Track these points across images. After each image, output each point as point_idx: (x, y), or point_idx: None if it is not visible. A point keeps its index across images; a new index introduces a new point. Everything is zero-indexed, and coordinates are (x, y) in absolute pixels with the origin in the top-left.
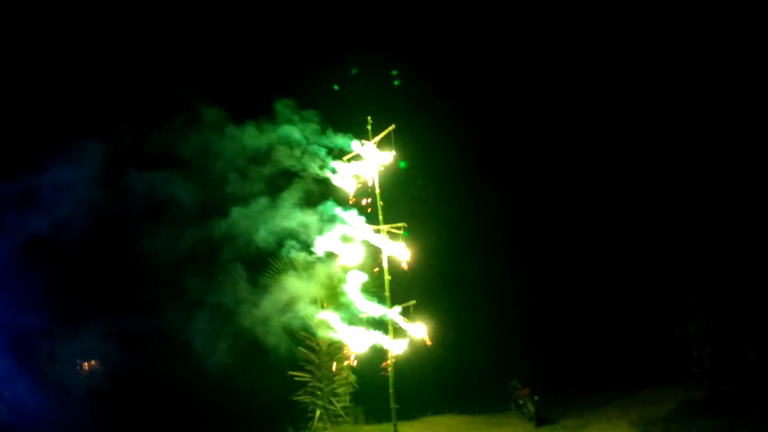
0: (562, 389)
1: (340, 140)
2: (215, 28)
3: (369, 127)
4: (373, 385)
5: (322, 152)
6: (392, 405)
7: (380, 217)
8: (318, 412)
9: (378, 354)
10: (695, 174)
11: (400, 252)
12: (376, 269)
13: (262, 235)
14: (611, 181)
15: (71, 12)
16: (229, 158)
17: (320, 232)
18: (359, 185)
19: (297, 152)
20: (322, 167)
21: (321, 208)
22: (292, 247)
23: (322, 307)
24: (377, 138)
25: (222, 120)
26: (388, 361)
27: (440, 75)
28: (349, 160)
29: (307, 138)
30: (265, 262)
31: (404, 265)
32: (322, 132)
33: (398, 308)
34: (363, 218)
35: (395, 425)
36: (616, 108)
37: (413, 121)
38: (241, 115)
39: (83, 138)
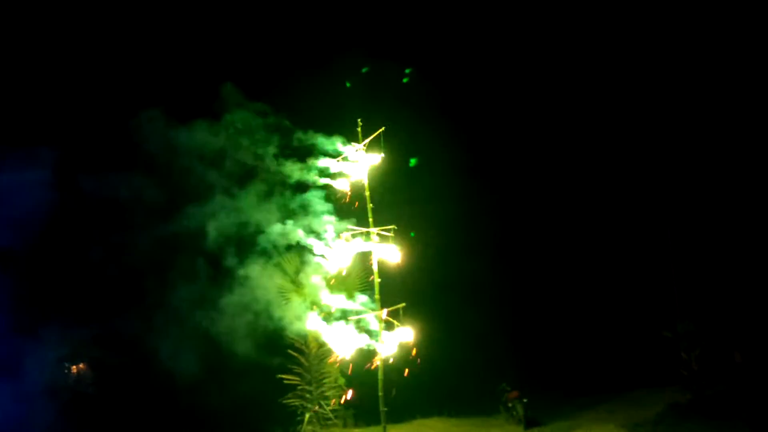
0: (551, 392)
1: (329, 142)
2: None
3: (359, 129)
4: (363, 388)
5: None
6: (381, 408)
7: (370, 219)
8: (307, 416)
9: (367, 358)
10: (683, 177)
11: (390, 254)
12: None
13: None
14: (600, 184)
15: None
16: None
17: (310, 234)
18: (350, 187)
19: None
20: (311, 169)
21: (311, 211)
22: (282, 249)
23: (311, 309)
24: (367, 140)
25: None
26: (376, 362)
27: (430, 76)
28: (339, 161)
29: (298, 139)
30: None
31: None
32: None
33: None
34: (353, 220)
35: (384, 428)
36: (604, 112)
37: (403, 123)
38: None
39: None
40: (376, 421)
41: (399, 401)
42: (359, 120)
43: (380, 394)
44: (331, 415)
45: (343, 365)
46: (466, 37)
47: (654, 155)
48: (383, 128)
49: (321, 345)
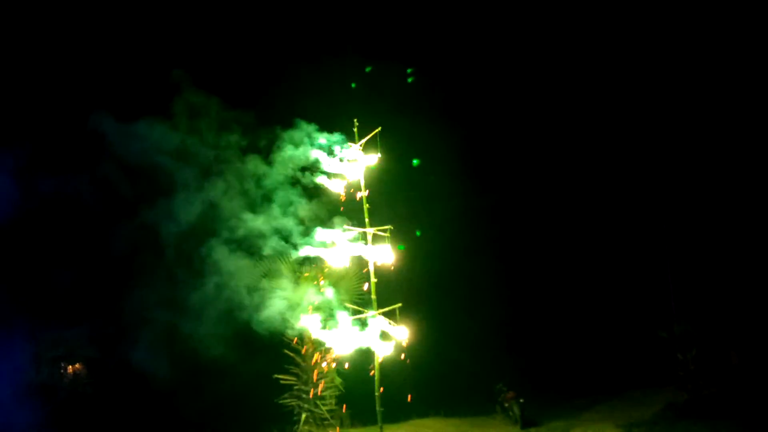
0: (548, 392)
1: (326, 141)
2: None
3: (355, 129)
4: (359, 388)
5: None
6: (378, 408)
7: (366, 220)
8: (303, 416)
9: (364, 357)
10: (679, 178)
11: (385, 255)
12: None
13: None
14: (597, 184)
15: None
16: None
17: (306, 235)
18: (346, 187)
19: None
20: (306, 169)
21: (307, 212)
22: (278, 250)
23: (308, 310)
24: (363, 140)
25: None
26: (375, 363)
27: (427, 76)
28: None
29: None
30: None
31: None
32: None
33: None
34: (350, 220)
35: (381, 428)
36: (600, 112)
37: (399, 123)
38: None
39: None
40: (372, 421)
41: (396, 401)
42: (355, 120)
43: (377, 393)
44: (327, 415)
45: (339, 365)
46: (465, 37)
47: (651, 155)
48: (379, 128)
49: (317, 345)
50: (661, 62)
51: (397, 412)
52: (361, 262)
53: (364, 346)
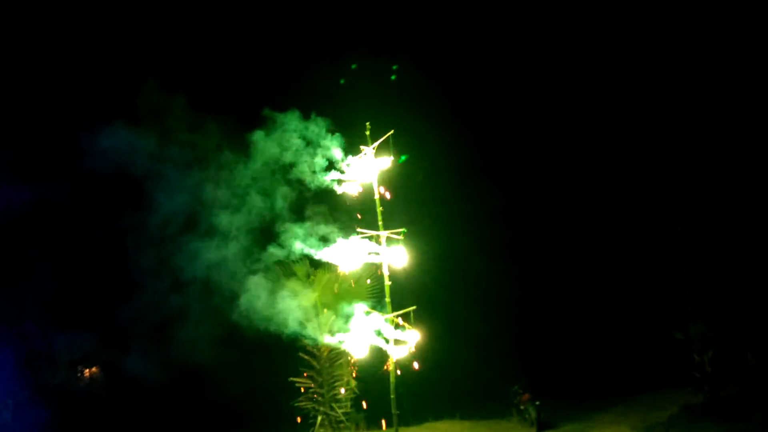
0: (563, 394)
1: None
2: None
3: (368, 132)
4: (374, 391)
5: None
6: (393, 411)
7: (380, 223)
8: (319, 418)
9: (379, 361)
10: (695, 178)
11: (399, 257)
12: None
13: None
14: (610, 185)
15: None
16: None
17: (321, 238)
18: (359, 190)
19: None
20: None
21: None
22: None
23: (323, 312)
24: (376, 144)
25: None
26: (389, 365)
27: (440, 78)
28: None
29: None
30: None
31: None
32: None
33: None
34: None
35: (396, 431)
36: (613, 111)
37: (411, 125)
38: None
39: None
40: (388, 424)
41: (411, 404)
42: (368, 124)
43: (392, 396)
44: (342, 417)
45: (355, 367)
46: (476, 39)
47: (665, 155)
48: (392, 131)
49: (332, 348)
50: (678, 60)
51: (413, 415)
52: (375, 266)
53: (378, 345)
